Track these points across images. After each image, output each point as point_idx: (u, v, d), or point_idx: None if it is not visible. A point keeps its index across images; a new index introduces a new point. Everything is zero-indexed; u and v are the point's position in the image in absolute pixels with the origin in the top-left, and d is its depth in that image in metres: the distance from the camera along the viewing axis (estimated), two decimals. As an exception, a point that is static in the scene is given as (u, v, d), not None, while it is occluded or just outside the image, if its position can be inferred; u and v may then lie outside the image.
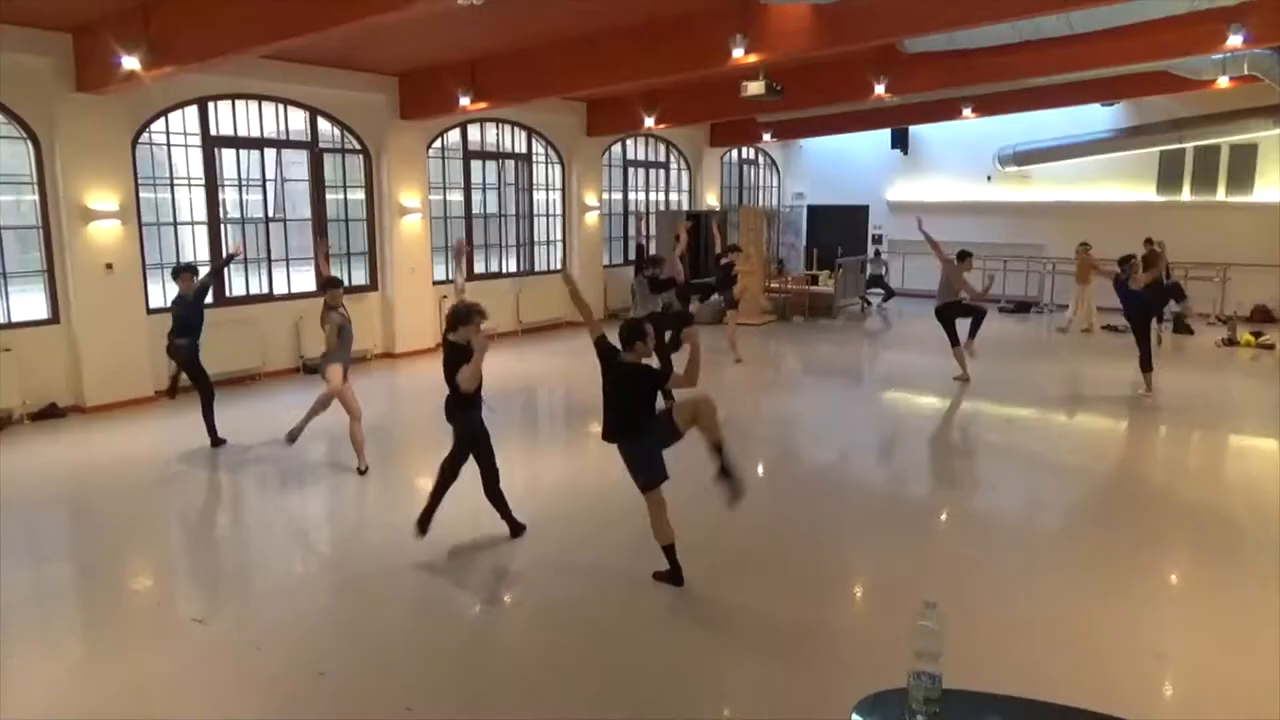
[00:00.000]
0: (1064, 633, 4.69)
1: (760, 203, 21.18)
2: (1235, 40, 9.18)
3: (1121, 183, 17.28)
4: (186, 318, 8.06)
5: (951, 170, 19.18)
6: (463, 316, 5.67)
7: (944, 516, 6.71)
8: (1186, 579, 5.63)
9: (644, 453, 5.03)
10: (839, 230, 20.07)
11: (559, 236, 15.85)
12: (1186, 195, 16.78)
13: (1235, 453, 8.28)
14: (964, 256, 10.86)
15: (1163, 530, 6.31)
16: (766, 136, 18.02)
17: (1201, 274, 16.04)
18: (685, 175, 18.99)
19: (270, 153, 11.42)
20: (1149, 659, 4.47)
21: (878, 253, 19.49)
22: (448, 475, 5.77)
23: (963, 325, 10.56)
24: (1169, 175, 16.89)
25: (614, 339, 5.18)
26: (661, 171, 18.52)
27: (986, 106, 15.09)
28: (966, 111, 15.17)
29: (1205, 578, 5.58)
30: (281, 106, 11.46)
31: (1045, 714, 2.79)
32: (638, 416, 5.06)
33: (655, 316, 8.89)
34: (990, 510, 6.88)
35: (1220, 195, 16.46)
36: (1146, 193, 17.10)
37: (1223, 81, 12.24)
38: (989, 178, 18.71)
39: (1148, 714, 3.01)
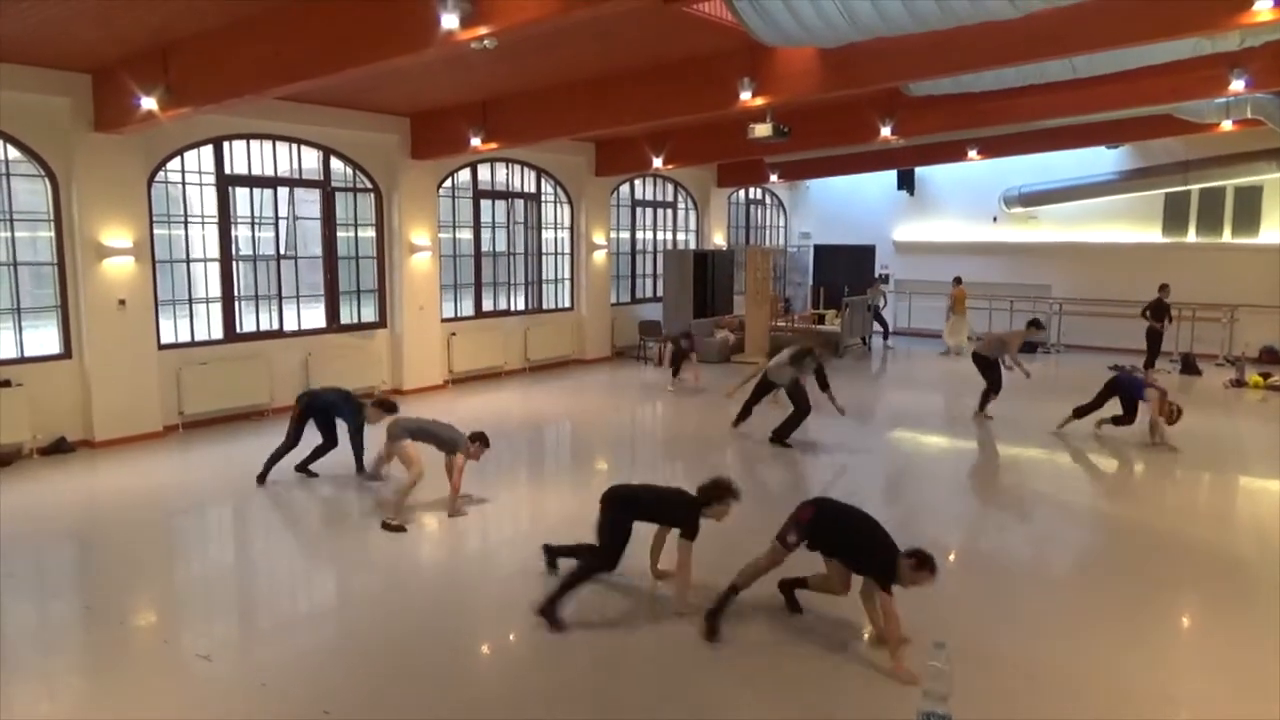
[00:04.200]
0: (1072, 676, 4.64)
1: (767, 242, 21.31)
2: (1237, 85, 9.28)
3: (1127, 224, 17.35)
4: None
5: (957, 211, 19.29)
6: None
7: (952, 557, 6.67)
8: (1196, 623, 5.58)
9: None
10: (846, 270, 20.17)
11: (567, 275, 15.95)
12: (1192, 236, 16.84)
13: (1245, 495, 8.23)
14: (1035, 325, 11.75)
15: (1172, 573, 6.26)
16: (773, 177, 18.17)
17: (1208, 315, 16.06)
18: (693, 215, 19.13)
19: (283, 191, 11.57)
20: (1159, 702, 4.42)
21: (886, 278, 19.40)
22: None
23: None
24: (1174, 217, 16.96)
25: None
26: (669, 211, 18.67)
27: (992, 148, 15.22)
28: (972, 153, 15.29)
29: (1215, 621, 5.52)
30: (295, 146, 11.62)
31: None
32: None
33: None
34: (1000, 551, 6.84)
35: (1226, 237, 16.51)
36: (1152, 234, 17.16)
37: (1226, 125, 12.33)
38: (994, 219, 18.81)
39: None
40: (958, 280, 17.49)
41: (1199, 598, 5.89)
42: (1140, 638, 5.11)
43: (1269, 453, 8.48)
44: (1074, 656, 4.87)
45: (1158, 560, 6.48)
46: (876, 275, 19.65)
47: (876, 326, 18.52)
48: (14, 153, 9.09)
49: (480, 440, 7.29)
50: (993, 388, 10.90)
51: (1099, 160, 16.98)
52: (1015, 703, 4.32)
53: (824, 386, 9.48)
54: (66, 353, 9.49)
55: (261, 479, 8.04)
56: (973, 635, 5.01)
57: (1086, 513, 7.94)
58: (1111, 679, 4.60)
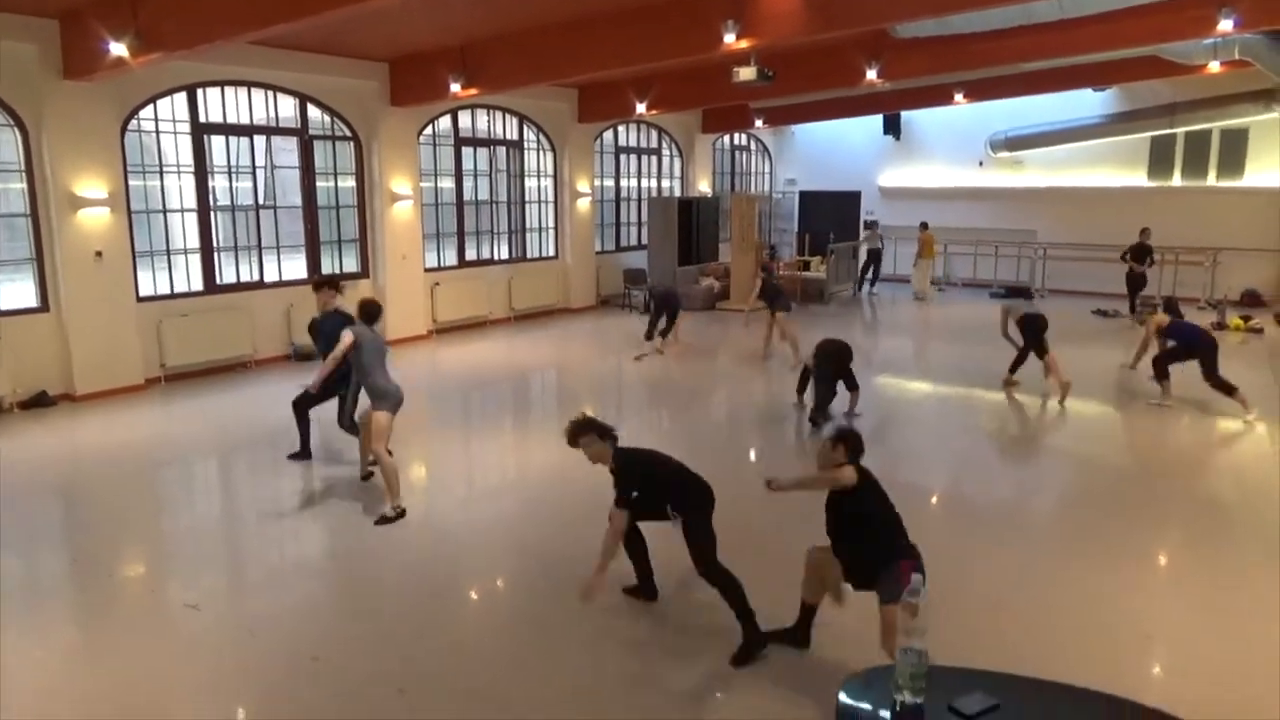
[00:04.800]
0: (1050, 612, 4.75)
1: (752, 189, 21.17)
2: (1226, 25, 9.20)
3: (1113, 168, 17.31)
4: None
5: (943, 156, 19.19)
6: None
7: (934, 500, 6.75)
8: (1174, 559, 5.68)
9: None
10: (832, 216, 20.07)
11: (551, 223, 15.82)
12: (1177, 180, 16.83)
13: (1224, 437, 8.34)
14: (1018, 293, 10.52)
15: (1151, 513, 6.36)
16: (758, 123, 18.00)
17: (1191, 259, 16.12)
18: (677, 162, 18.96)
19: (260, 140, 11.37)
20: (1135, 636, 4.52)
21: (870, 224, 18.95)
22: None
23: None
24: (1160, 160, 16.93)
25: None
26: (653, 158, 18.48)
27: (978, 91, 15.10)
28: (958, 97, 15.17)
29: (1193, 559, 5.63)
30: (271, 93, 11.40)
31: (1028, 688, 2.83)
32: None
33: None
34: (980, 493, 6.93)
35: (1211, 180, 16.51)
36: (1138, 178, 17.14)
37: (1214, 66, 12.27)
38: (980, 163, 18.73)
39: (1133, 690, 3.06)
40: (924, 225, 17.52)
41: (1177, 537, 5.99)
42: (1118, 576, 5.21)
43: (1247, 394, 8.57)
44: (1050, 593, 4.97)
45: (1137, 500, 6.58)
46: (875, 219, 19.30)
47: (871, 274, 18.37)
48: (-19, 101, 8.89)
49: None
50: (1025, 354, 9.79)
51: (1085, 104, 16.87)
52: (992, 638, 4.41)
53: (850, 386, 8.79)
54: (44, 306, 9.38)
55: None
56: (953, 574, 5.08)
57: (1067, 455, 8.04)
58: (1089, 615, 4.70)
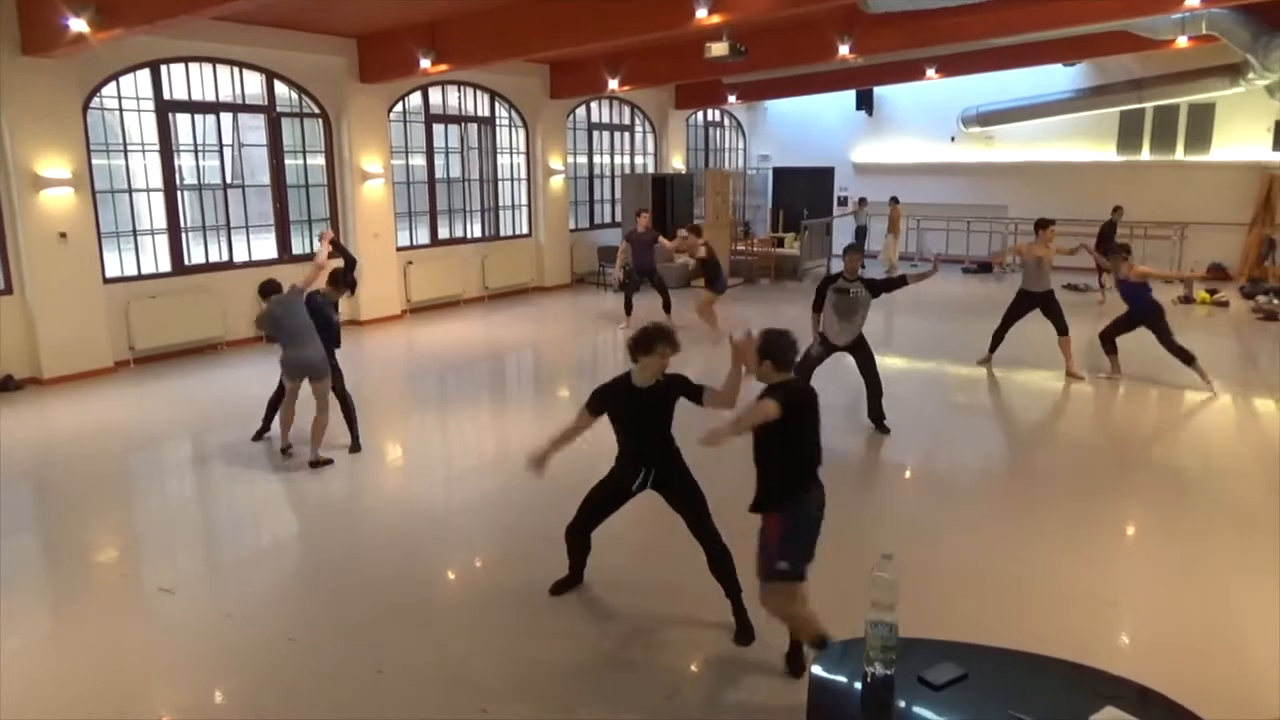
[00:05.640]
0: (1016, 583, 4.83)
1: (726, 165, 21.14)
2: (1193, 0, 9.27)
3: (1083, 143, 17.46)
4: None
5: (916, 131, 19.25)
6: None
7: (908, 474, 6.84)
8: (1138, 530, 5.79)
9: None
10: (805, 192, 20.10)
11: (524, 201, 15.72)
12: (1146, 155, 17.01)
13: (1187, 408, 8.48)
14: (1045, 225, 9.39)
15: (1115, 483, 6.48)
16: (731, 98, 17.94)
17: (1160, 233, 16.34)
18: (650, 138, 18.87)
19: (226, 117, 11.18)
20: (1099, 606, 4.62)
21: (861, 200, 18.45)
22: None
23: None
24: (1129, 135, 17.10)
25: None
26: (626, 134, 18.39)
27: (950, 67, 15.15)
28: (930, 72, 15.21)
29: (1156, 528, 5.74)
30: (237, 70, 11.20)
31: (996, 658, 2.89)
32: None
33: None
34: (947, 466, 7.01)
35: (1179, 155, 16.69)
36: (1107, 152, 17.30)
37: (1181, 41, 12.35)
38: (953, 139, 18.82)
39: (1099, 658, 3.14)
40: (894, 200, 17.69)
41: (1140, 509, 6.10)
42: (1082, 547, 5.30)
43: (1212, 366, 8.72)
44: (1017, 565, 5.05)
45: (1103, 472, 6.70)
46: (863, 197, 18.76)
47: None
48: (-63, 79, 8.67)
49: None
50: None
51: (1056, 79, 16.97)
52: (959, 611, 4.49)
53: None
54: (7, 288, 9.21)
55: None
56: (921, 547, 5.16)
57: (1035, 428, 8.16)
58: (1053, 586, 4.79)
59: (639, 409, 4.24)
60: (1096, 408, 8.72)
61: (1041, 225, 9.31)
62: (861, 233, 18.11)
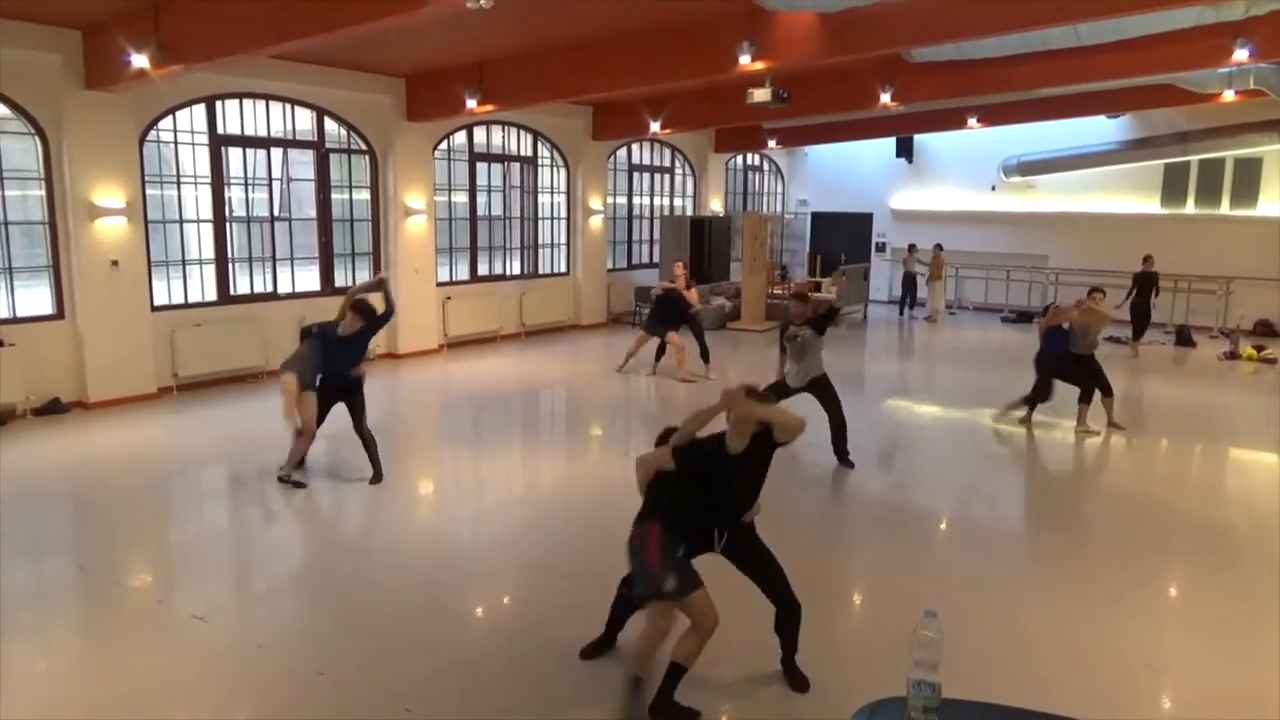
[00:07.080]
0: (1061, 643, 4.70)
1: (764, 209, 21.22)
2: (1241, 54, 9.21)
3: (1126, 194, 17.29)
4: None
5: (956, 179, 19.20)
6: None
7: (944, 525, 6.72)
8: (1184, 592, 5.63)
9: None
10: (843, 238, 20.09)
11: (563, 240, 15.87)
12: (1190, 208, 16.80)
13: (1235, 467, 8.28)
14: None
15: (1161, 543, 6.32)
16: (771, 143, 18.05)
17: (1204, 287, 16.08)
18: (690, 181, 19.02)
19: (276, 152, 11.45)
20: (1144, 670, 4.48)
21: (911, 247, 18.36)
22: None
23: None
24: (1173, 188, 16.90)
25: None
26: (666, 176, 18.55)
27: (992, 116, 15.12)
28: (972, 121, 15.19)
29: (1202, 591, 5.58)
30: (288, 106, 11.50)
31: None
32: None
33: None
34: (990, 521, 6.89)
35: (1224, 209, 16.47)
36: (1151, 205, 17.11)
37: (1228, 95, 12.26)
38: (993, 187, 18.73)
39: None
40: (938, 247, 17.75)
41: (1188, 568, 5.94)
42: (1130, 606, 5.16)
43: (1259, 425, 8.53)
44: (1063, 624, 4.92)
45: (1149, 530, 6.53)
46: (912, 244, 18.52)
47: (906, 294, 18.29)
48: (3, 110, 8.97)
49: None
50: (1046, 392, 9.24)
51: (1099, 130, 16.88)
52: (1003, 670, 4.37)
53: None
54: (59, 313, 9.44)
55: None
56: (964, 603, 5.05)
57: (1079, 483, 8.00)
58: (1099, 646, 4.65)
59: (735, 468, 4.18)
60: (1139, 461, 8.53)
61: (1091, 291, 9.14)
62: (909, 280, 18.04)
